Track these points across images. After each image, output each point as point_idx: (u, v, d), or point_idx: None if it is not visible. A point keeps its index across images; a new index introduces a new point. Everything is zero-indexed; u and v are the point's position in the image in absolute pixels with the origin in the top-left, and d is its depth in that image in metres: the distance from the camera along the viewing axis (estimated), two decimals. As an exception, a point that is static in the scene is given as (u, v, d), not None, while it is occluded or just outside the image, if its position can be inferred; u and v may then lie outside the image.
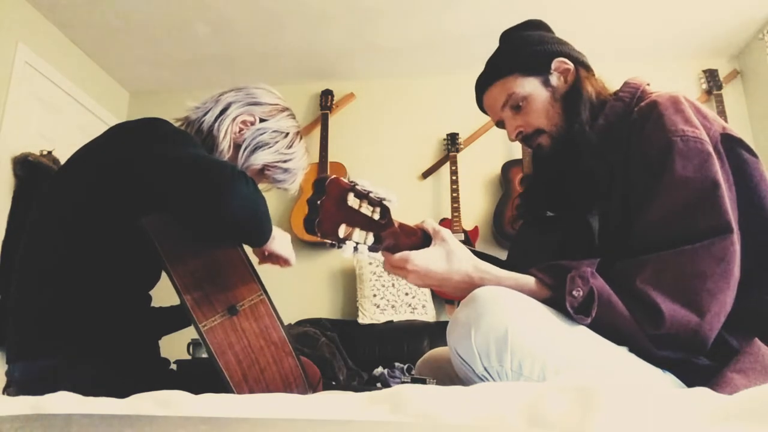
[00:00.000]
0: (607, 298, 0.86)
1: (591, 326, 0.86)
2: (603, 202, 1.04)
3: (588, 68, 1.13)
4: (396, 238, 0.90)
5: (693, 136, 0.90)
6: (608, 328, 0.86)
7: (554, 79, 1.10)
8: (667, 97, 0.97)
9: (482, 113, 1.23)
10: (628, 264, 0.90)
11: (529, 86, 1.10)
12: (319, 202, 0.78)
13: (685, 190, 0.88)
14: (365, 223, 0.84)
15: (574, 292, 0.85)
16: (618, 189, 0.98)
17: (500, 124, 1.17)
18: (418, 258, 0.89)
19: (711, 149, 0.90)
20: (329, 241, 0.82)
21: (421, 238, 0.94)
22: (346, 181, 0.81)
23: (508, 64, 1.12)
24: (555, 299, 0.87)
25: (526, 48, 1.13)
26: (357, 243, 0.83)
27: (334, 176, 0.81)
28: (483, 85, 1.17)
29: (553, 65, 1.10)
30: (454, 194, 3.11)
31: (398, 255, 0.90)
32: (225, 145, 1.23)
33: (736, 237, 0.86)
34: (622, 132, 1.00)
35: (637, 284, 0.86)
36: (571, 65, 1.10)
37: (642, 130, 0.95)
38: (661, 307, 0.83)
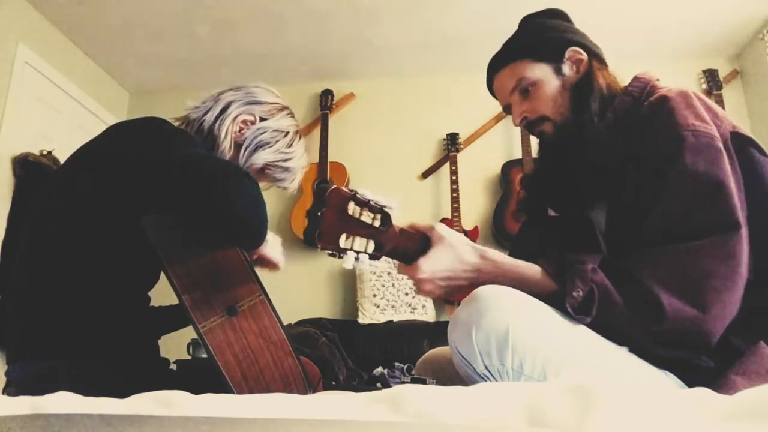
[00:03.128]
0: (607, 295, 0.85)
1: (592, 324, 0.86)
2: (612, 196, 1.02)
3: (602, 61, 1.12)
4: (397, 243, 0.89)
5: (704, 132, 0.89)
6: (608, 325, 0.85)
7: (566, 68, 1.09)
8: (678, 92, 0.96)
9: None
10: (632, 257, 0.89)
11: (540, 72, 1.09)
12: (319, 213, 0.78)
13: (694, 185, 0.87)
14: (366, 231, 0.83)
15: (574, 293, 0.85)
16: (630, 183, 0.97)
17: (507, 108, 1.16)
18: (425, 264, 0.90)
19: (721, 146, 0.89)
20: (330, 252, 0.82)
21: (421, 241, 0.93)
22: (346, 190, 0.81)
23: (522, 48, 1.12)
24: (557, 297, 0.87)
25: (541, 34, 1.13)
26: (358, 252, 0.83)
27: (334, 186, 0.80)
28: (495, 67, 1.16)
29: (567, 54, 1.09)
30: (454, 194, 3.11)
31: (408, 268, 0.91)
32: (226, 144, 1.23)
33: (744, 234, 0.85)
34: (631, 126, 0.99)
35: (640, 279, 0.85)
36: (584, 56, 1.09)
37: (652, 124, 0.95)
38: (663, 303, 0.82)
